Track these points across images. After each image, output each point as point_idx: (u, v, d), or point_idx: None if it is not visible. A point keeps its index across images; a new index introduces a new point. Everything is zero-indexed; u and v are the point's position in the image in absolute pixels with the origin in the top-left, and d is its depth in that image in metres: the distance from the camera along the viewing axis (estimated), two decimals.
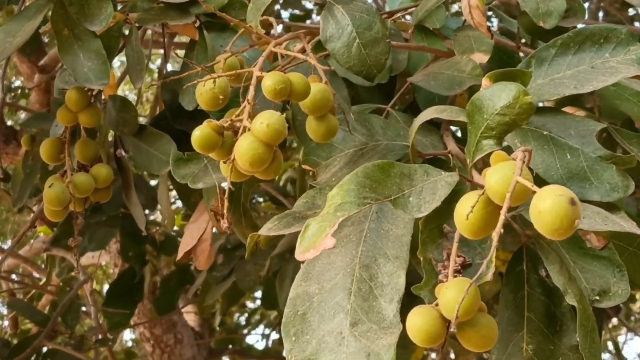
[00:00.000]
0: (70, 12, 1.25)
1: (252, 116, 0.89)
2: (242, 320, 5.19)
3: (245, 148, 0.86)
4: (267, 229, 0.96)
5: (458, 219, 0.75)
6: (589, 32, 0.99)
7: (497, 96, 0.84)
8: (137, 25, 1.30)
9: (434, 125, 1.12)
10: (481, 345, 0.78)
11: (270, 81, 0.89)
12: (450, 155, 0.99)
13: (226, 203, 0.89)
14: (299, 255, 0.77)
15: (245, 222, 1.33)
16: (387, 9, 1.50)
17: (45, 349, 2.54)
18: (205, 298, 3.19)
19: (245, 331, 5.06)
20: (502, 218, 0.68)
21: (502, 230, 0.68)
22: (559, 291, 0.87)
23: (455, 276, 0.80)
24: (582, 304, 0.85)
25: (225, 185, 0.94)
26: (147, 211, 3.02)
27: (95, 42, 1.25)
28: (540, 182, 0.96)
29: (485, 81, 0.89)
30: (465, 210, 0.73)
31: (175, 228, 3.55)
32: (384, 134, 1.04)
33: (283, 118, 0.87)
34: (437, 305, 0.77)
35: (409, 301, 0.81)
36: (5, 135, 2.97)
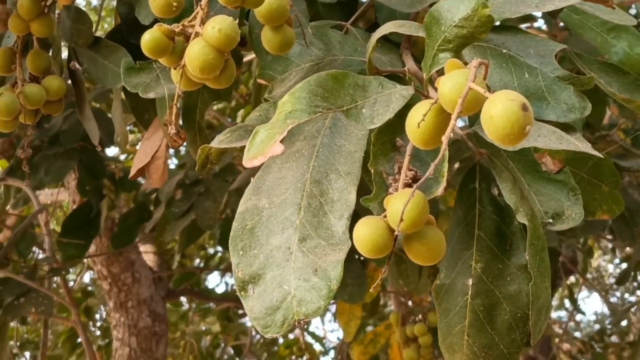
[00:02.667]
0: None
1: (204, 22, 0.87)
2: (202, 264, 5.19)
3: (195, 53, 0.83)
4: (219, 141, 0.94)
5: (409, 128, 0.73)
6: None
7: (456, 8, 0.82)
8: None
9: (394, 45, 1.10)
10: (428, 258, 0.77)
11: None
12: (407, 72, 0.97)
13: (175, 110, 0.87)
14: (246, 161, 0.75)
15: (200, 140, 1.30)
16: None
17: None
18: (164, 234, 3.17)
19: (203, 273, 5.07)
20: (452, 123, 0.66)
21: (452, 135, 0.66)
22: (510, 211, 0.87)
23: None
24: (533, 222, 0.84)
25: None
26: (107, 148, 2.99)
27: None
28: None
29: None
30: (417, 118, 0.71)
31: None
32: (342, 48, 1.02)
33: (235, 23, 0.84)
34: (385, 216, 0.76)
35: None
36: None
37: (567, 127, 0.88)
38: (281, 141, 0.74)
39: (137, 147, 4.16)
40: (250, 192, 0.85)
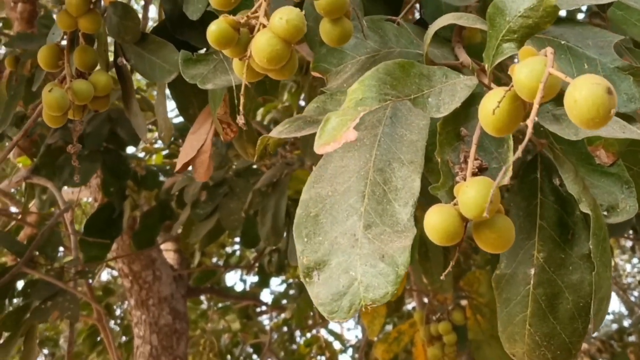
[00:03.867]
0: None
1: (267, 14, 0.88)
2: (221, 263, 5.21)
3: (263, 44, 0.84)
4: (278, 132, 0.94)
5: (483, 115, 0.73)
6: None
7: None
8: None
9: (444, 39, 1.10)
10: (497, 246, 0.77)
11: None
12: (470, 64, 0.98)
13: (242, 100, 0.87)
14: (318, 147, 0.76)
15: (246, 136, 1.31)
16: None
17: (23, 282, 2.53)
18: (190, 235, 3.18)
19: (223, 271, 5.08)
20: (536, 108, 0.66)
21: (536, 118, 0.66)
22: (571, 200, 0.87)
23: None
24: (596, 212, 0.84)
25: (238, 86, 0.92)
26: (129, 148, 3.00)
27: None
28: None
29: None
30: (492, 105, 0.72)
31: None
32: (397, 41, 1.02)
33: (302, 14, 0.85)
34: (455, 204, 0.76)
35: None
36: None
37: (627, 118, 0.88)
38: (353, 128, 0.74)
39: (156, 145, 4.18)
40: (313, 180, 0.86)
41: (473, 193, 0.73)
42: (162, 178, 3.38)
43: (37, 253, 2.56)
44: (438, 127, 0.84)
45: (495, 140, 0.84)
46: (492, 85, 0.87)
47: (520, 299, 0.89)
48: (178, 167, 1.31)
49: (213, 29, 0.86)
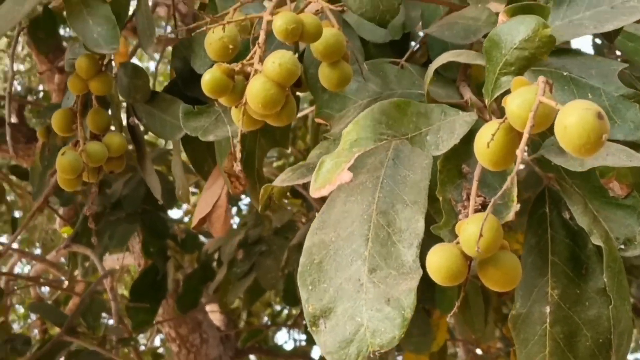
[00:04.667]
0: None
1: (262, 60, 0.87)
2: (269, 322, 5.17)
3: (257, 89, 0.84)
4: (281, 180, 0.93)
5: (478, 149, 0.72)
6: None
7: (516, 30, 0.81)
8: None
9: (450, 80, 1.09)
10: (503, 284, 0.75)
11: (281, 21, 0.87)
12: (467, 103, 0.97)
13: (238, 152, 0.87)
14: (313, 191, 0.75)
15: (260, 187, 1.30)
16: None
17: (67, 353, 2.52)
18: (228, 295, 3.17)
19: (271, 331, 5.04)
20: (525, 137, 0.65)
21: (525, 149, 0.65)
22: (583, 233, 0.85)
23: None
24: (608, 244, 0.82)
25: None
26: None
27: (104, 7, 1.23)
28: None
29: (502, 16, 0.86)
30: (486, 138, 0.70)
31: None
32: (399, 83, 1.01)
33: (295, 57, 0.85)
34: (457, 243, 0.74)
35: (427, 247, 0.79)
36: (27, 137, 2.98)
37: (635, 146, 0.86)
38: (348, 169, 0.73)
39: None
40: (316, 226, 0.84)
41: (474, 230, 0.71)
42: (203, 239, 3.38)
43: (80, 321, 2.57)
44: (439, 165, 0.82)
45: (498, 176, 0.82)
46: (493, 119, 0.85)
47: (538, 338, 0.86)
48: (194, 223, 1.30)
49: (207, 78, 0.86)
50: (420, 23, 1.29)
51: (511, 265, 0.74)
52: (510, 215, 0.77)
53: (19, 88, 4.76)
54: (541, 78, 0.69)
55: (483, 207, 0.79)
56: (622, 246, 0.91)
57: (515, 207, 0.77)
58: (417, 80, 1.03)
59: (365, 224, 0.82)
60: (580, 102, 0.62)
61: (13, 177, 3.33)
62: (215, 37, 0.93)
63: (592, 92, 0.90)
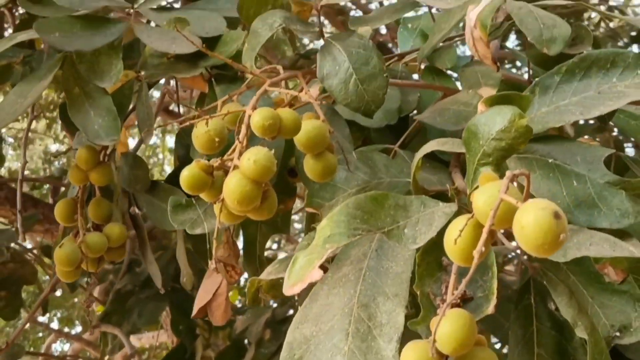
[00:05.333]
0: (80, 70, 1.25)
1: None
2: None
3: (232, 186, 0.84)
4: (267, 273, 0.93)
5: (447, 245, 0.71)
6: (594, 57, 0.95)
7: (492, 121, 0.81)
8: (146, 81, 1.30)
9: (444, 164, 1.09)
10: None
11: (258, 117, 0.87)
12: (449, 190, 0.96)
13: (215, 244, 0.87)
14: (286, 289, 0.74)
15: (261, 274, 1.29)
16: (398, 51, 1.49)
17: None
18: None
19: None
20: (484, 237, 0.64)
21: (483, 249, 0.64)
22: (570, 325, 0.83)
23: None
24: (594, 336, 0.80)
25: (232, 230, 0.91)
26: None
27: (105, 99, 1.24)
28: None
29: (480, 106, 0.86)
30: (454, 234, 0.69)
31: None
32: (387, 171, 1.01)
33: (271, 154, 0.85)
34: (433, 340, 0.73)
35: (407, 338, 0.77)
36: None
37: (622, 233, 0.85)
38: (320, 266, 0.73)
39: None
40: (298, 320, 0.83)
41: (447, 327, 0.70)
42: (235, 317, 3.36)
43: None
44: (417, 259, 0.81)
45: (480, 268, 0.81)
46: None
47: None
48: (194, 312, 1.30)
49: (185, 175, 0.87)
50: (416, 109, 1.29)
51: None
52: (490, 309, 0.76)
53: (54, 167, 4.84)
54: (508, 173, 0.68)
55: (463, 301, 0.78)
56: (618, 333, 0.90)
57: (494, 299, 0.76)
58: (407, 168, 1.03)
59: (346, 318, 0.80)
60: (538, 201, 0.61)
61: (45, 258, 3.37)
62: (201, 131, 0.93)
63: (577, 180, 0.89)
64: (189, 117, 0.98)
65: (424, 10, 1.51)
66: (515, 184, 0.72)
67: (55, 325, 5.77)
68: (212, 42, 1.28)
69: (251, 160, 0.83)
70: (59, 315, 5.77)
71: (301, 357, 0.81)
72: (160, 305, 2.75)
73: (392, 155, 1.13)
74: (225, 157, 0.89)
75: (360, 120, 1.17)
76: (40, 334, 5.59)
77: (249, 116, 0.90)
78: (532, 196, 0.86)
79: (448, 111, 1.06)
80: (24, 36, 1.28)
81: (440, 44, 1.33)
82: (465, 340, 0.69)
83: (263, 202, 0.88)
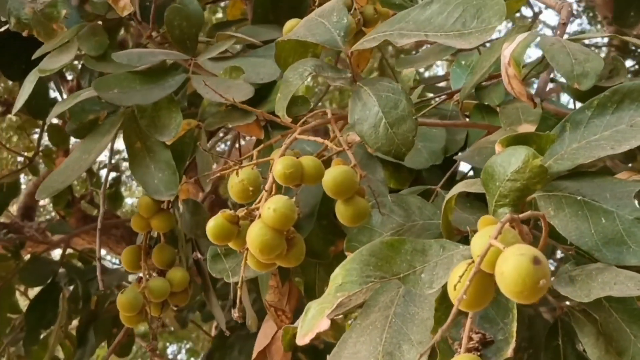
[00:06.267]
0: (141, 125, 1.30)
1: None
2: None
3: (254, 235, 0.86)
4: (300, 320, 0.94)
5: (450, 291, 0.71)
6: (626, 90, 0.93)
7: (507, 162, 0.81)
8: (205, 130, 1.34)
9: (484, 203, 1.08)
10: None
11: (280, 166, 0.89)
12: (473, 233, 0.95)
13: (239, 293, 0.89)
14: (299, 339, 0.75)
15: None
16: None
17: None
18: None
19: None
20: (466, 283, 0.64)
21: (464, 297, 0.63)
22: None
23: (473, 354, 0.75)
24: None
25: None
26: None
27: (165, 153, 1.29)
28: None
29: (497, 147, 0.85)
30: (454, 280, 0.69)
31: None
32: (421, 213, 1.01)
33: (291, 202, 0.86)
34: None
35: None
36: None
37: None
38: (327, 316, 0.73)
39: None
40: None
41: None
42: None
43: None
44: (435, 303, 0.81)
45: (501, 310, 0.80)
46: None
47: None
48: (254, 357, 1.32)
49: (211, 225, 0.89)
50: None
51: None
52: (509, 352, 0.75)
53: None
54: (506, 217, 0.68)
55: (483, 344, 0.77)
56: None
57: (513, 343, 0.75)
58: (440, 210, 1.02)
59: None
60: (518, 247, 0.61)
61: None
62: (235, 180, 0.96)
63: (606, 216, 0.87)
64: (225, 167, 1.00)
65: None
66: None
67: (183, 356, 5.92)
68: (267, 89, 1.31)
69: (271, 209, 0.85)
70: (187, 346, 5.92)
71: None
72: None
73: (434, 196, 1.13)
74: (251, 207, 0.91)
75: (405, 162, 1.17)
76: None
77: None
78: (560, 237, 0.86)
79: (486, 149, 1.06)
80: (87, 94, 1.33)
81: (489, 82, 1.32)
82: None
83: (290, 249, 0.90)
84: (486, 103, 1.28)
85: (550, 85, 1.53)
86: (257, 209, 0.90)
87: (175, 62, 1.41)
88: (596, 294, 0.78)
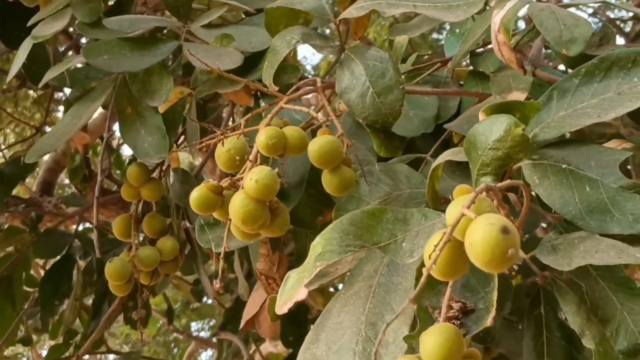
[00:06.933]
0: (132, 90, 1.30)
1: None
2: None
3: (236, 206, 0.85)
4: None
5: (426, 260, 0.70)
6: (615, 57, 0.92)
7: (489, 130, 0.80)
8: (196, 97, 1.33)
9: None
10: None
11: (263, 136, 0.89)
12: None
13: (221, 263, 0.88)
14: (278, 309, 0.75)
15: (316, 293, 1.31)
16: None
17: None
18: None
19: None
20: (436, 253, 0.63)
21: (434, 266, 0.63)
22: None
23: (453, 323, 0.75)
24: (603, 346, 0.78)
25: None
26: None
27: (156, 118, 1.28)
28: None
29: (481, 115, 0.85)
30: (430, 250, 0.69)
31: None
32: (408, 182, 1.00)
33: (273, 173, 0.86)
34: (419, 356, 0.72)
35: None
36: None
37: (635, 239, 0.82)
38: (306, 285, 0.73)
39: None
40: (309, 340, 0.84)
41: (432, 342, 0.69)
42: None
43: None
44: (416, 272, 0.81)
45: (482, 279, 0.80)
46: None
47: None
48: (242, 325, 1.32)
49: (194, 196, 0.89)
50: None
51: None
52: (488, 321, 0.75)
53: None
54: (481, 187, 0.67)
55: (464, 313, 0.77)
56: None
57: (493, 312, 0.75)
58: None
59: (354, 337, 0.80)
60: (487, 216, 0.60)
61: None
62: (222, 150, 0.95)
63: (590, 185, 0.86)
64: (212, 136, 1.00)
65: None
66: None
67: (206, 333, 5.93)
68: (259, 57, 1.30)
69: (253, 180, 0.85)
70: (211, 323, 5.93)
71: None
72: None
73: (424, 164, 1.12)
74: (237, 177, 0.91)
75: (396, 130, 1.16)
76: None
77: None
78: (546, 206, 0.85)
79: (475, 118, 1.04)
80: (77, 60, 1.33)
81: (484, 49, 1.31)
82: (449, 355, 0.69)
83: (274, 220, 0.89)
84: (481, 70, 1.26)
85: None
86: (241, 179, 0.89)
87: (169, 29, 1.40)
88: (577, 262, 0.78)
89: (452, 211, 0.67)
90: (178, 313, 5.16)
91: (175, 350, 5.76)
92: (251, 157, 0.90)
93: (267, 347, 3.77)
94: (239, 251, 1.43)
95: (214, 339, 3.80)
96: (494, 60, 1.26)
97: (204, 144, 0.98)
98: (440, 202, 0.95)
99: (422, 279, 0.64)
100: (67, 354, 2.59)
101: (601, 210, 0.85)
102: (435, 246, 0.68)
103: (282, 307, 0.74)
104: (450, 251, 0.68)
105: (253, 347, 3.15)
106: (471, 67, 1.32)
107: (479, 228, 0.59)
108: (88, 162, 3.04)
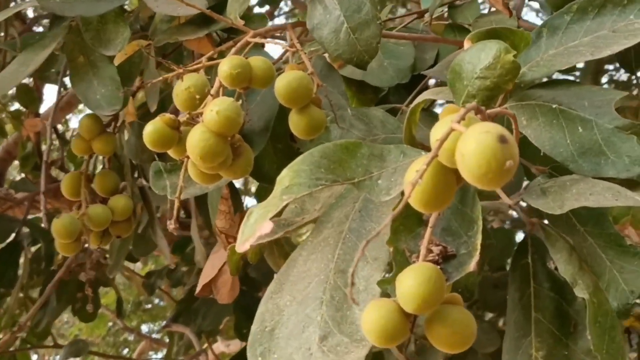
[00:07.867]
0: (85, 39, 1.21)
1: None
2: None
3: (195, 139, 0.77)
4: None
5: (405, 187, 0.62)
6: None
7: (476, 58, 0.73)
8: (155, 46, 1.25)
9: None
10: (454, 343, 0.64)
11: (226, 66, 0.80)
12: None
13: (177, 203, 0.80)
14: (239, 246, 0.67)
15: (277, 251, 1.23)
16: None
17: None
18: None
19: None
20: (421, 170, 0.55)
21: (420, 180, 0.55)
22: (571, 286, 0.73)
23: None
24: (597, 297, 0.70)
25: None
26: None
27: (110, 68, 1.20)
28: (549, 162, 0.83)
29: (466, 43, 0.77)
30: (411, 176, 0.61)
31: None
32: (383, 127, 0.93)
33: (236, 104, 0.78)
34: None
35: None
36: None
37: (631, 183, 0.75)
38: (271, 219, 0.65)
39: None
40: (272, 290, 0.76)
41: (410, 282, 0.61)
42: None
43: None
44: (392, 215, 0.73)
45: (465, 222, 0.72)
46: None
47: None
48: (198, 289, 1.23)
49: (148, 130, 0.80)
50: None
51: (462, 323, 0.64)
52: (471, 266, 0.67)
53: None
54: (470, 105, 0.60)
55: (443, 257, 0.69)
56: (638, 300, 0.81)
57: (477, 256, 0.67)
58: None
59: (321, 285, 0.73)
60: (481, 125, 0.52)
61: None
62: (181, 88, 0.87)
63: (583, 125, 0.79)
64: (171, 74, 0.91)
65: None
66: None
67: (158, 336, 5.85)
68: (222, 5, 1.23)
69: (214, 112, 0.76)
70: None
71: (273, 329, 0.73)
72: (225, 308, 2.69)
73: (399, 113, 1.05)
74: (195, 111, 0.82)
75: (369, 80, 1.09)
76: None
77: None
78: (530, 155, 0.78)
79: None
80: (27, 4, 1.24)
81: (462, 1, 1.25)
82: (430, 296, 0.61)
83: (236, 159, 0.81)
84: (459, 22, 1.20)
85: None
86: (201, 114, 0.81)
87: None
88: (570, 205, 0.71)
89: (439, 128, 0.59)
90: (129, 314, 5.07)
91: (126, 351, 5.67)
92: (212, 90, 0.82)
93: (219, 346, 3.71)
94: (197, 211, 1.35)
95: (166, 340, 3.71)
96: (473, 12, 1.19)
97: (161, 80, 0.89)
98: (416, 147, 0.88)
99: (400, 207, 0.56)
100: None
101: (595, 152, 0.78)
102: (418, 171, 0.60)
103: (245, 243, 0.66)
104: (434, 175, 0.60)
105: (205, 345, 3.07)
106: (449, 21, 1.25)
107: (472, 137, 0.51)
108: (40, 151, 2.94)
